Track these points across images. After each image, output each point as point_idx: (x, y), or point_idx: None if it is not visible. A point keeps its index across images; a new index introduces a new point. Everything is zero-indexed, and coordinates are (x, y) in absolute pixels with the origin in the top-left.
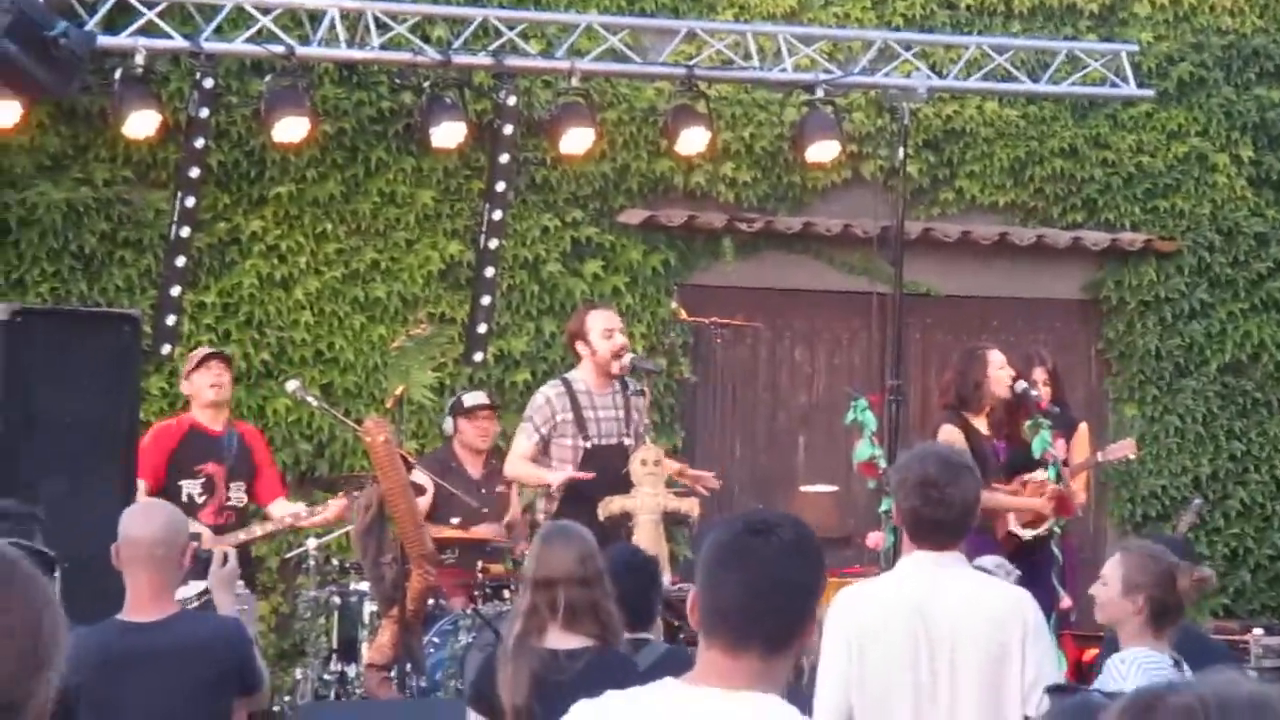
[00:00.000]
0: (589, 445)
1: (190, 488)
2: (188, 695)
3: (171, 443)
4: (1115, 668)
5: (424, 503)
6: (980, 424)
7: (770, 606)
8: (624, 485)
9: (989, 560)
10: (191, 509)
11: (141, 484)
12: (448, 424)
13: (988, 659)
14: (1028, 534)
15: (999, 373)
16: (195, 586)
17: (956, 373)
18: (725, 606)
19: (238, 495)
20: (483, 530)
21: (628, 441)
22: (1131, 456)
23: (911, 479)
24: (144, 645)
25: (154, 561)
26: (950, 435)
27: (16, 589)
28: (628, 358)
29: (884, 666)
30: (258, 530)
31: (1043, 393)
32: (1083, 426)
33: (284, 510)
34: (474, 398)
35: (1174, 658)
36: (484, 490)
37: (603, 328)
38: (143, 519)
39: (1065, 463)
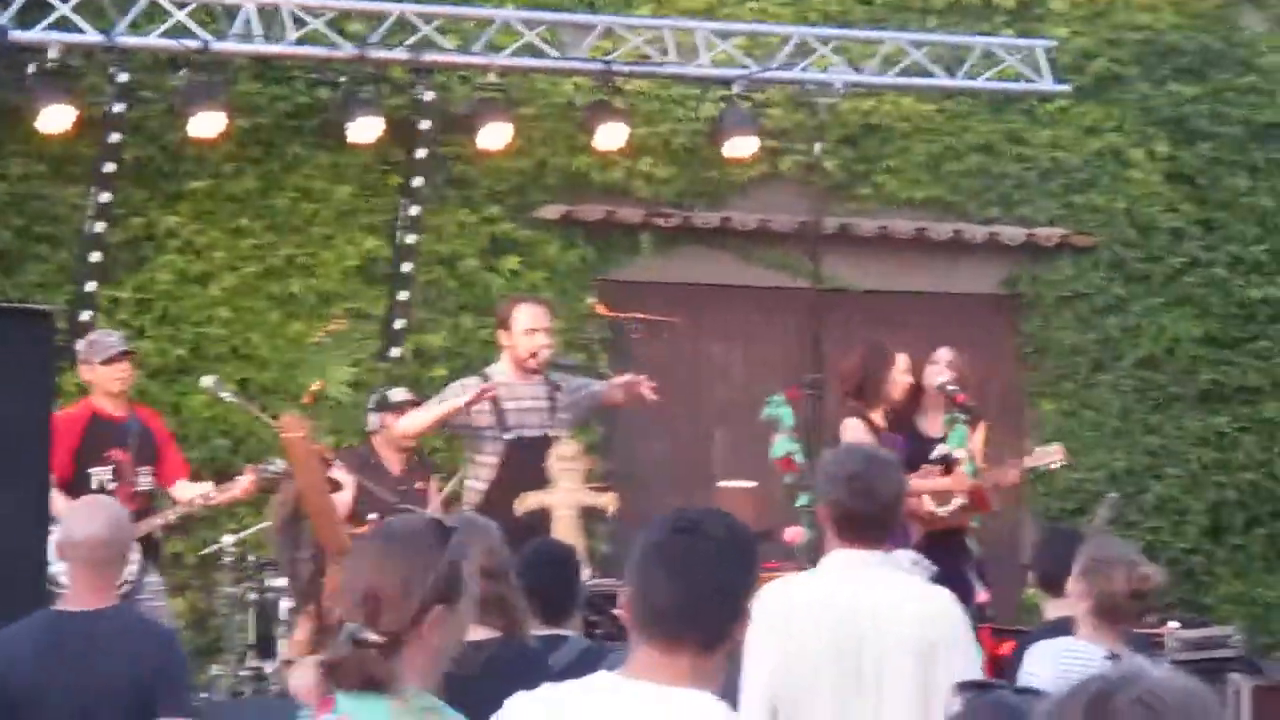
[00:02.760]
0: (510, 437)
1: (100, 475)
2: (108, 686)
3: (77, 431)
4: (1035, 653)
5: (343, 499)
6: (877, 417)
7: (702, 605)
8: (548, 478)
9: (904, 556)
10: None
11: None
12: (372, 420)
13: (914, 659)
14: (943, 510)
15: (901, 376)
16: None
17: (860, 365)
18: (658, 606)
19: (146, 480)
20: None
21: (552, 433)
22: (1059, 463)
23: (838, 474)
24: (72, 633)
25: (94, 561)
26: (856, 430)
27: (396, 545)
28: (544, 354)
29: (810, 664)
30: (171, 515)
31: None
32: (981, 425)
33: (191, 491)
34: (400, 393)
35: (1113, 653)
36: (404, 487)
37: (526, 325)
38: (84, 518)
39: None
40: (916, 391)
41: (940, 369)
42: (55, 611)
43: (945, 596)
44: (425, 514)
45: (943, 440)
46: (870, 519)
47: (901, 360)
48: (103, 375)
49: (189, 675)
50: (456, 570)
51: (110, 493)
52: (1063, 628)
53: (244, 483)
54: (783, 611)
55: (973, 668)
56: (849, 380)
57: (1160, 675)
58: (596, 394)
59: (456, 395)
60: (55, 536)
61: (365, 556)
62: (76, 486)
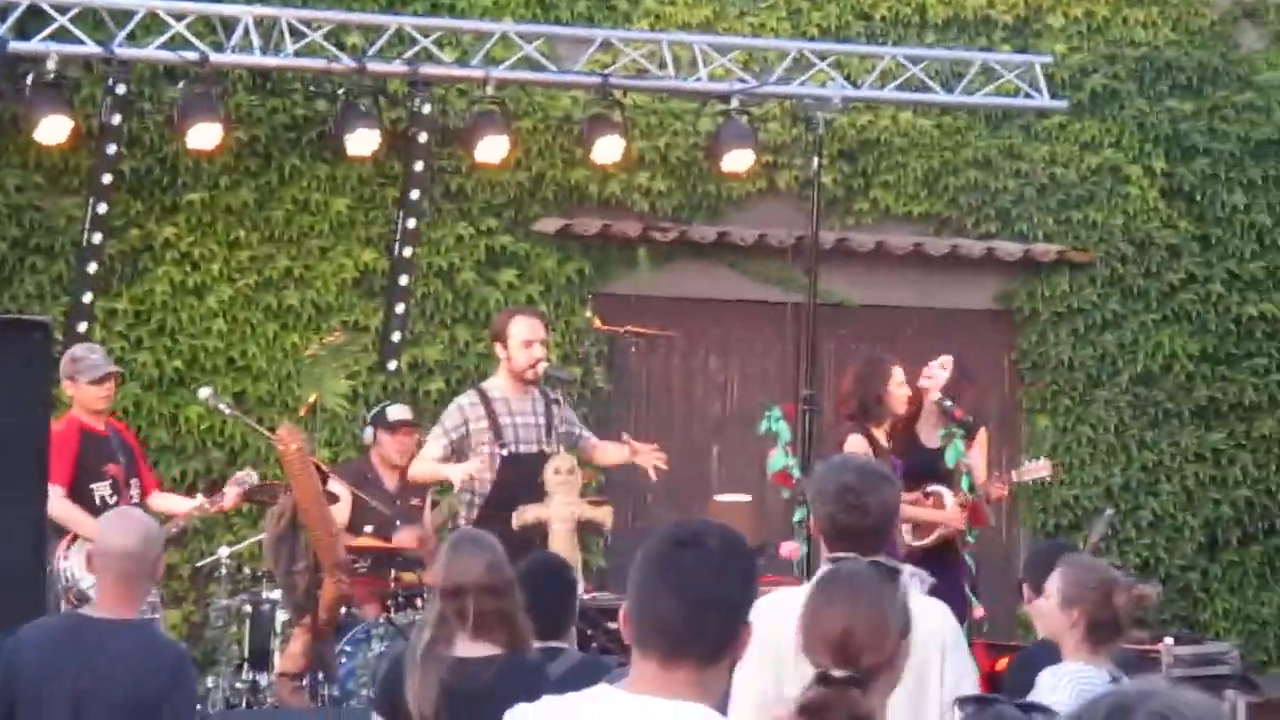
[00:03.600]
0: (505, 452)
1: (101, 490)
2: (107, 695)
3: (74, 445)
4: (1047, 681)
5: (340, 512)
6: (880, 436)
7: (702, 619)
8: (541, 493)
9: (905, 567)
10: (105, 511)
11: (55, 488)
12: (368, 434)
13: (906, 672)
14: (918, 543)
15: (898, 390)
16: None
17: (858, 383)
18: (657, 620)
19: (136, 493)
20: (403, 534)
21: (548, 449)
22: (1047, 477)
23: (830, 488)
24: (86, 637)
25: (123, 573)
26: (857, 446)
27: (863, 588)
28: (542, 367)
29: (799, 679)
30: (173, 529)
31: (939, 379)
32: (982, 432)
33: (179, 504)
34: (398, 412)
35: (1113, 674)
36: (399, 502)
37: (523, 338)
38: (119, 529)
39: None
40: (914, 403)
41: (936, 380)
42: (78, 614)
43: (938, 609)
44: (863, 560)
45: (940, 452)
46: (862, 531)
47: (898, 372)
48: (88, 394)
49: (194, 699)
50: (907, 604)
51: (111, 508)
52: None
53: (231, 495)
54: (773, 625)
55: (967, 682)
56: (848, 401)
57: (1174, 690)
58: (588, 447)
59: (453, 418)
60: (89, 547)
61: (834, 603)
62: (77, 501)
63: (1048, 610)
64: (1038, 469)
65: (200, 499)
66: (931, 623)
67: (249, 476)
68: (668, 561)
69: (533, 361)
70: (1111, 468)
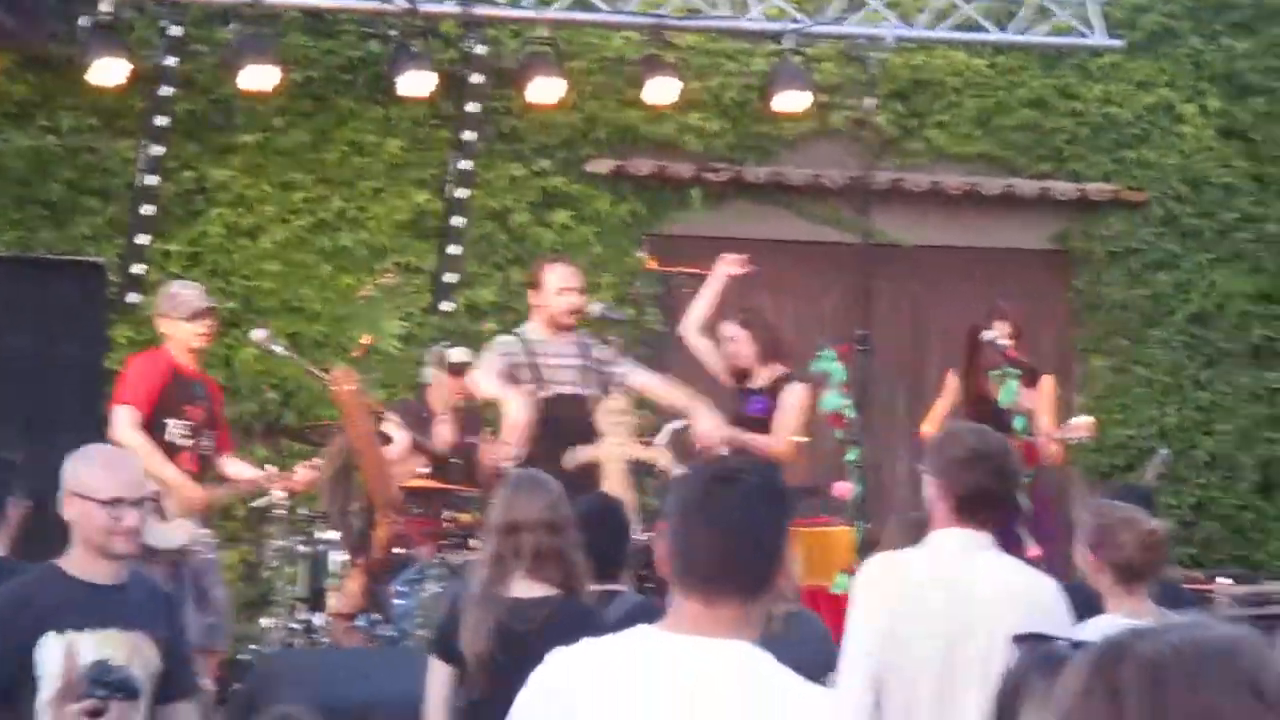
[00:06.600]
0: (545, 394)
1: (176, 428)
2: None
3: (162, 377)
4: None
5: (393, 452)
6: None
7: (742, 556)
8: (584, 435)
9: None
10: (174, 450)
11: (132, 412)
12: (427, 374)
13: (983, 636)
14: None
15: (726, 343)
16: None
17: None
18: (697, 557)
19: (207, 444)
20: (486, 449)
21: (585, 392)
22: (1085, 437)
23: (971, 453)
24: None
25: None
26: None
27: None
28: (597, 306)
29: (913, 644)
30: (223, 493)
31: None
32: (1046, 379)
33: (245, 471)
34: (460, 354)
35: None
36: (455, 442)
37: (558, 285)
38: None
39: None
40: (985, 347)
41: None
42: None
43: (1049, 584)
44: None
45: (760, 393)
46: (999, 501)
47: (724, 328)
48: (185, 331)
49: None
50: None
51: (181, 448)
52: None
53: (304, 477)
54: (889, 588)
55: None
56: None
57: (1184, 630)
58: (637, 385)
59: (502, 348)
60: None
61: None
62: (151, 431)
63: (1079, 556)
64: (1078, 429)
65: (269, 470)
66: (1045, 602)
67: (334, 447)
68: (707, 498)
69: (571, 308)
70: (1166, 408)
